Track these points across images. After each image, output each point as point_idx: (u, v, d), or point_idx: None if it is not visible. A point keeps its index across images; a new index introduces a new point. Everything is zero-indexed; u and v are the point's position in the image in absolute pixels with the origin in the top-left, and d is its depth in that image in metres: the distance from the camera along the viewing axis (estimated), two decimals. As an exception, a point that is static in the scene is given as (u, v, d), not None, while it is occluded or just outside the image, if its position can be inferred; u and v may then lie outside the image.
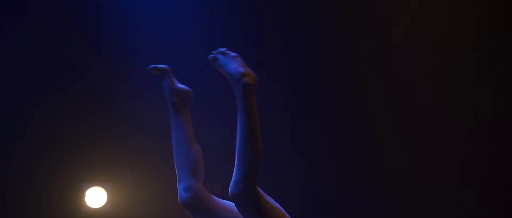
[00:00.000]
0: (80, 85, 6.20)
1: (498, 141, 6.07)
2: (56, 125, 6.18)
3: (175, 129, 3.34)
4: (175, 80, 3.37)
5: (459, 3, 6.01)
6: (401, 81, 6.09)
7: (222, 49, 3.09)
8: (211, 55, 3.10)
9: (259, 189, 3.02)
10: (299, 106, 6.35)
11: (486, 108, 6.05)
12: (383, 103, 6.14)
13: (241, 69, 2.99)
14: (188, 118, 3.34)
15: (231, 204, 3.16)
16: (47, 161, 6.16)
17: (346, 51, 6.20)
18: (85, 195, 6.18)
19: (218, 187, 6.17)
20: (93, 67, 6.19)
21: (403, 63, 6.08)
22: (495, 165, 6.04)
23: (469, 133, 6.09)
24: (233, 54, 3.06)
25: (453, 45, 6.03)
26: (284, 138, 6.30)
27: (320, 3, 6.22)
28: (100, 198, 6.20)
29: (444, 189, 6.12)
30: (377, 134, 6.18)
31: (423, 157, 6.14)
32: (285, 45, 6.28)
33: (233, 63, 3.02)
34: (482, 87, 6.05)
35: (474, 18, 6.00)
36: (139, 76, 6.18)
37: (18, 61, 6.15)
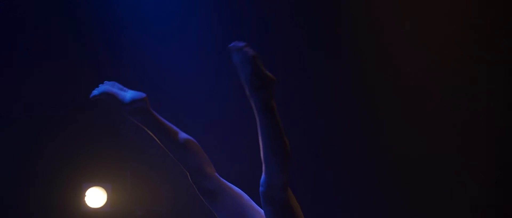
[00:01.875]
0: (80, 85, 6.19)
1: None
2: (56, 125, 6.18)
3: (158, 137, 3.26)
4: (122, 94, 3.23)
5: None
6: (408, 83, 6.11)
7: (240, 44, 2.86)
8: (230, 48, 2.88)
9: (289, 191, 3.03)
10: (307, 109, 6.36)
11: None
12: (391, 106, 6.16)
13: (255, 80, 2.82)
14: (158, 119, 3.25)
15: (241, 191, 3.20)
16: (47, 161, 6.15)
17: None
18: (85, 195, 6.17)
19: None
20: (93, 67, 6.19)
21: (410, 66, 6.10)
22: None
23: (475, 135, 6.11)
24: (250, 53, 2.82)
25: (455, 50, 6.05)
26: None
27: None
28: (100, 198, 6.20)
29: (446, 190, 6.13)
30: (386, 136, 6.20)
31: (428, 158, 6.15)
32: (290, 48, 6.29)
33: (248, 68, 2.82)
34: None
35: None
36: (139, 76, 6.18)
37: (15, 60, 6.15)
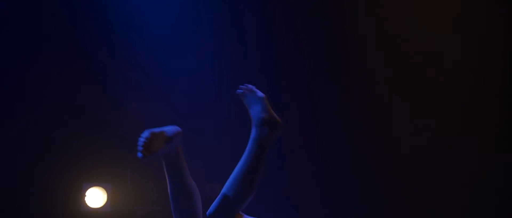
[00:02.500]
0: (81, 86, 6.20)
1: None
2: (56, 125, 6.18)
3: (174, 177, 3.20)
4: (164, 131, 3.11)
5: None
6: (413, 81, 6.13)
7: (250, 87, 3.13)
8: (240, 91, 3.14)
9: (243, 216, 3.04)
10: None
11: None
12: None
13: (263, 115, 3.04)
14: (182, 158, 3.19)
15: None
16: (47, 161, 6.16)
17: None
18: (85, 195, 6.18)
19: (216, 187, 6.17)
20: (93, 67, 6.19)
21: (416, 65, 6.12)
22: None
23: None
24: (259, 94, 3.11)
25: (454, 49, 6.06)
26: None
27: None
28: (100, 198, 6.20)
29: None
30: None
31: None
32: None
33: (258, 106, 3.08)
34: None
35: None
36: (140, 76, 6.18)
37: (16, 61, 6.16)
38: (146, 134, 2.96)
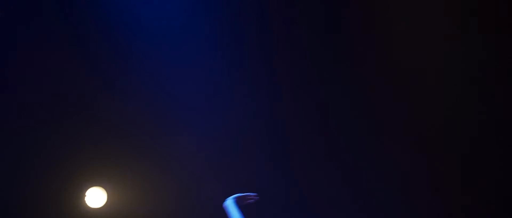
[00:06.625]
0: (82, 87, 6.20)
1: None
2: (56, 125, 6.18)
3: None
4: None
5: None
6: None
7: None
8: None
9: None
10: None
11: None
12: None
13: None
14: None
15: None
16: (47, 161, 6.16)
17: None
18: (85, 195, 6.18)
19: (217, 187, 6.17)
20: (95, 70, 6.19)
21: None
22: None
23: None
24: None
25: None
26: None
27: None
28: (100, 198, 6.21)
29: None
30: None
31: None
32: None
33: None
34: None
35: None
36: (140, 77, 6.18)
37: (16, 60, 6.16)
38: None
